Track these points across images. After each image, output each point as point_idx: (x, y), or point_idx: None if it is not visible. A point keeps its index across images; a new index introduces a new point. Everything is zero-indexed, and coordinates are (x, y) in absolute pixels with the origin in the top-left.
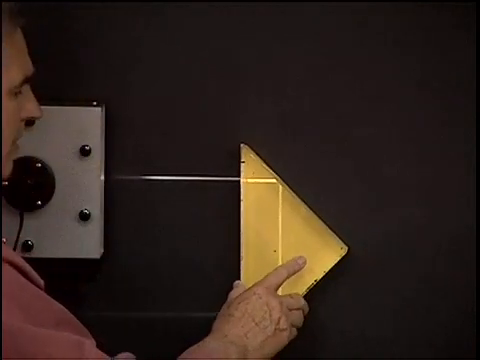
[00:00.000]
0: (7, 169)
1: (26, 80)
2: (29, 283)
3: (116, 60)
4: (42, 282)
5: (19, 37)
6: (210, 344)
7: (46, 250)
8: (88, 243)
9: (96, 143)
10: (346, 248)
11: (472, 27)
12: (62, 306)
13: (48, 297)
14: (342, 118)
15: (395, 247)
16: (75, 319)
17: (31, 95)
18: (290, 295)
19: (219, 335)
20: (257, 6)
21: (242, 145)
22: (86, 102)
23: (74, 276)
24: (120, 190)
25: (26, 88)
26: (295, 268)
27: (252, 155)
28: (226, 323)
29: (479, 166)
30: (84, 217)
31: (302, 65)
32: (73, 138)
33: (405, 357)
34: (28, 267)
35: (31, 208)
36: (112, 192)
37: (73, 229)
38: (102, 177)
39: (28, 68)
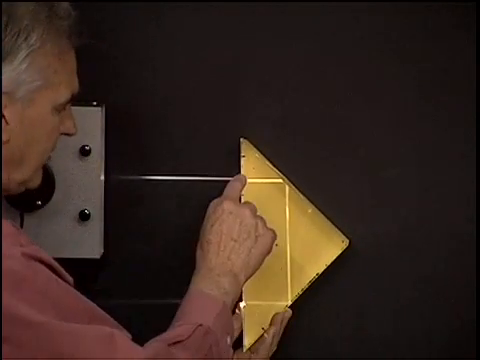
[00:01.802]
0: (38, 179)
1: (71, 98)
2: (60, 280)
3: (116, 60)
4: (71, 279)
5: (72, 56)
6: (199, 285)
7: (46, 250)
8: (88, 243)
9: (96, 143)
10: (347, 241)
11: (472, 27)
12: (93, 303)
13: (80, 294)
14: (343, 116)
15: (395, 242)
16: (107, 315)
17: (71, 112)
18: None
19: (205, 271)
20: (257, 5)
21: (242, 140)
22: (86, 102)
23: (74, 276)
24: (120, 190)
25: (68, 105)
26: (242, 181)
27: (252, 150)
28: (207, 253)
29: (479, 165)
30: (84, 217)
31: (302, 64)
32: (73, 138)
33: (404, 350)
34: (57, 265)
35: (31, 208)
36: (112, 192)
37: (73, 229)
38: (102, 177)
39: (75, 87)
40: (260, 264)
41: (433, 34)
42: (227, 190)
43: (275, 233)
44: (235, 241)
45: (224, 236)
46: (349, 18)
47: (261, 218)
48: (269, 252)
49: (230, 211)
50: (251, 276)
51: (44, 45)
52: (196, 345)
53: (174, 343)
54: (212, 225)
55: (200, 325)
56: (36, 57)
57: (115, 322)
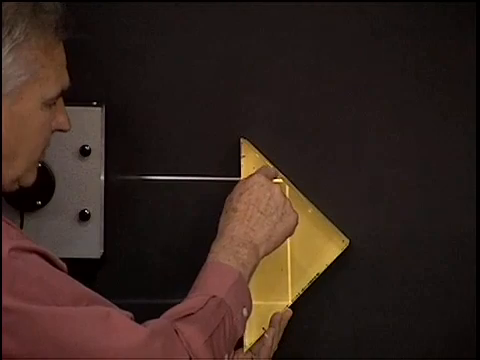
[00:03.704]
0: (32, 177)
1: (62, 93)
2: (56, 269)
3: (116, 60)
4: (65, 266)
5: (60, 51)
6: (217, 256)
7: None
8: (88, 243)
9: (96, 143)
10: (347, 241)
11: (472, 27)
12: (89, 288)
13: (75, 280)
14: (342, 116)
15: (395, 242)
16: (104, 299)
17: (63, 108)
18: None
19: (226, 240)
20: (257, 5)
21: (242, 140)
22: (86, 102)
23: (74, 276)
24: (120, 190)
25: (59, 100)
26: (277, 171)
27: (252, 150)
28: (231, 220)
29: (479, 165)
30: (84, 217)
31: (302, 64)
32: (73, 138)
33: (404, 350)
34: (51, 253)
35: (31, 208)
36: (112, 192)
37: (73, 229)
38: (102, 177)
39: (65, 81)
40: (281, 242)
41: (433, 34)
42: (262, 169)
43: (298, 217)
44: (261, 213)
45: (252, 206)
46: (349, 18)
47: (288, 199)
48: (291, 233)
49: (261, 184)
50: (270, 252)
51: (29, 39)
52: (207, 317)
53: (185, 316)
54: (241, 194)
55: (213, 296)
56: (21, 51)
57: (113, 305)
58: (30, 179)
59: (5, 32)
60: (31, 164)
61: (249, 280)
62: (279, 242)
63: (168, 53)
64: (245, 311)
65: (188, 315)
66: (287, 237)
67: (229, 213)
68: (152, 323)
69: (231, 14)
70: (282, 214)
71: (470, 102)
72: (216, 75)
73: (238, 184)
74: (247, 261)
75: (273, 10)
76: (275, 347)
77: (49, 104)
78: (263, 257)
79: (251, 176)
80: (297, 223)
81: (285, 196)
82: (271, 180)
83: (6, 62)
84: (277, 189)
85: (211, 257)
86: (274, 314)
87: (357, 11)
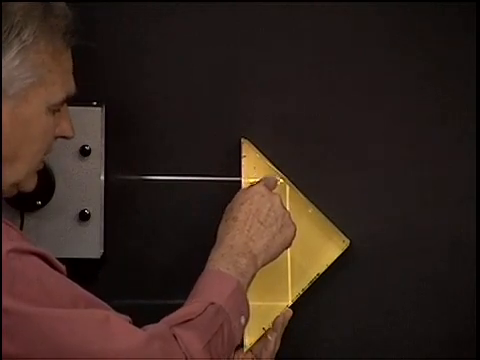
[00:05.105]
0: (32, 182)
1: (66, 99)
2: (54, 271)
3: (116, 60)
4: (64, 268)
5: (68, 57)
6: (216, 264)
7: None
8: (88, 243)
9: (96, 143)
10: (348, 241)
11: (472, 27)
12: (86, 291)
13: (74, 283)
14: (343, 116)
15: (395, 242)
16: (102, 301)
17: (68, 114)
18: None
19: (225, 249)
20: (257, 5)
21: (243, 140)
22: (86, 102)
23: (74, 276)
24: (120, 190)
25: (64, 107)
26: (278, 181)
27: (253, 150)
28: (231, 229)
29: (479, 165)
30: (84, 217)
31: (302, 64)
32: (73, 138)
33: (404, 350)
34: (49, 255)
35: (31, 208)
36: (112, 192)
37: (73, 229)
38: (102, 177)
39: (71, 88)
40: (278, 255)
41: (433, 34)
42: (262, 180)
43: (296, 229)
44: (261, 224)
45: (252, 216)
46: (349, 18)
47: (287, 210)
48: (289, 245)
49: (262, 194)
50: (267, 264)
51: (37, 42)
52: (205, 323)
53: (183, 322)
54: (242, 203)
55: (212, 303)
56: (29, 54)
57: (111, 308)
58: (30, 184)
59: (14, 33)
60: (32, 169)
61: (247, 289)
62: (277, 254)
63: (168, 53)
64: (243, 319)
65: (187, 321)
66: (285, 249)
67: (229, 222)
68: (151, 327)
69: (231, 15)
70: (281, 226)
71: (470, 102)
72: (216, 75)
73: (238, 193)
74: (246, 271)
75: (273, 10)
76: (277, 349)
77: (53, 110)
78: (261, 267)
79: (252, 186)
80: (295, 235)
81: (285, 207)
82: (272, 190)
83: (13, 64)
84: (277, 200)
85: (210, 265)
86: (277, 317)
87: (357, 11)
